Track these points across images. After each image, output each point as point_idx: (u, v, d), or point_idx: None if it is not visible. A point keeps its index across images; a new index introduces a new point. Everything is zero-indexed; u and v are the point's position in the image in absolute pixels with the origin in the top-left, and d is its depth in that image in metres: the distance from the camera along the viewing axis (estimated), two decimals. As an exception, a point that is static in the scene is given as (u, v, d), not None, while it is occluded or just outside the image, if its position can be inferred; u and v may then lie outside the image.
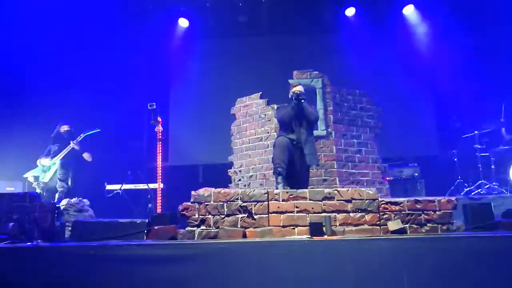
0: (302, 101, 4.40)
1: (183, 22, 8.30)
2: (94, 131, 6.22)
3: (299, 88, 4.54)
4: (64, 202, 4.47)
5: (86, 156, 6.15)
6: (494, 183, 6.10)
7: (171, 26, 8.30)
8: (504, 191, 5.93)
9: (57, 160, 6.00)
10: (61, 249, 3.12)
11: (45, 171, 5.98)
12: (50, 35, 6.99)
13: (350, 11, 8.10)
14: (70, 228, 3.96)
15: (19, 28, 6.86)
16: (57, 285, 2.88)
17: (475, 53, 7.33)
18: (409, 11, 8.10)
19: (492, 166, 6.28)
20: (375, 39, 7.82)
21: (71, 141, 6.03)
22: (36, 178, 5.92)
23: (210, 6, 7.88)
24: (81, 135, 6.15)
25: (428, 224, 3.52)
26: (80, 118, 6.57)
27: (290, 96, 4.56)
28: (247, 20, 8.21)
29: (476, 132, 6.47)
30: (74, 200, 4.53)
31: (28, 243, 3.26)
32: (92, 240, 3.45)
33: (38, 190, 5.84)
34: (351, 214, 3.56)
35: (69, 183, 5.98)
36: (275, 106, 5.64)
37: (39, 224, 3.84)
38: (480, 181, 6.17)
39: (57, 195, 5.85)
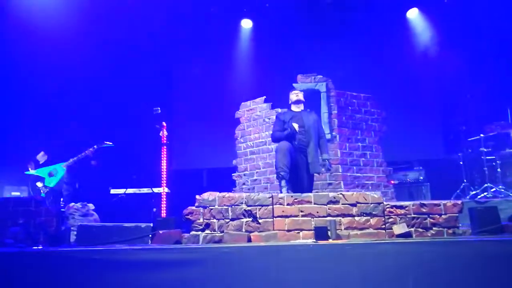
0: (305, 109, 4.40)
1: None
2: (108, 145, 6.11)
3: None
4: (69, 206, 4.49)
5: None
6: (500, 187, 6.05)
7: (176, 30, 8.34)
8: (511, 194, 5.89)
9: (65, 165, 6.01)
10: (66, 253, 3.13)
11: (52, 176, 6.00)
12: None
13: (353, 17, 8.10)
14: (75, 233, 3.97)
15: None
16: (62, 289, 2.88)
17: (480, 56, 7.31)
18: (413, 14, 8.11)
19: (498, 169, 6.23)
20: (380, 43, 7.81)
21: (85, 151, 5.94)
22: (42, 181, 5.93)
23: (217, 9, 7.92)
24: (94, 146, 6.05)
25: (433, 228, 3.49)
26: (84, 123, 6.57)
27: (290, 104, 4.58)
28: (251, 24, 8.26)
29: (481, 135, 6.43)
30: (78, 204, 4.54)
31: (34, 248, 3.28)
32: (97, 245, 3.46)
33: (42, 194, 5.85)
34: (356, 218, 3.54)
35: (76, 186, 5.98)
36: (279, 110, 5.64)
37: (44, 229, 3.86)
38: (486, 185, 6.12)
39: (62, 200, 5.87)
